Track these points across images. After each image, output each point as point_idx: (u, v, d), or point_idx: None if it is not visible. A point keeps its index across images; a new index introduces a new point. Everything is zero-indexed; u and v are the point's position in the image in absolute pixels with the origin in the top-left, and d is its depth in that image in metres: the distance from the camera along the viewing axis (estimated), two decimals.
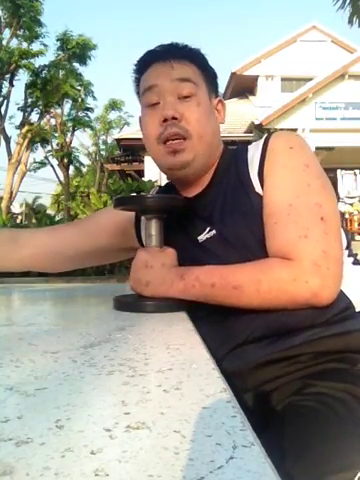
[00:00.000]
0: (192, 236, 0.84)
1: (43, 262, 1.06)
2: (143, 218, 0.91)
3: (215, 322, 0.77)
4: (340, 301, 0.73)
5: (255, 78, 14.66)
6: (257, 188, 0.78)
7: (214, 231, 0.80)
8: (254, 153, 0.81)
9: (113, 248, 1.04)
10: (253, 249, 0.75)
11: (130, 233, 1.01)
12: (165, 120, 0.81)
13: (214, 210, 0.82)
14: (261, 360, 0.74)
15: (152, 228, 0.85)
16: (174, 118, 0.81)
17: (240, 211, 0.78)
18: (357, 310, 0.75)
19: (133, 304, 0.82)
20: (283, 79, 14.58)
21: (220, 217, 0.81)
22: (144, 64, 0.86)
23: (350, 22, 7.75)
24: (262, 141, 0.81)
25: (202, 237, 0.82)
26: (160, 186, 1.01)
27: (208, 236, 0.81)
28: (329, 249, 0.69)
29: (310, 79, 12.35)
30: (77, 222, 1.26)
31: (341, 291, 0.73)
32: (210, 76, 0.88)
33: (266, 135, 0.83)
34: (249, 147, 0.85)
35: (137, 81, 0.90)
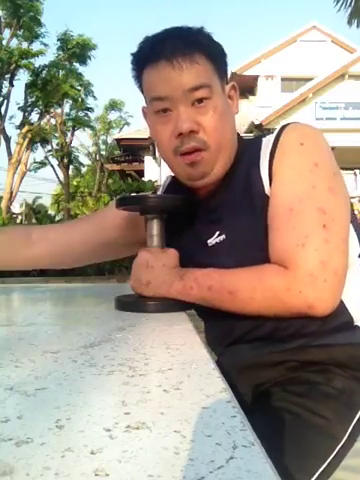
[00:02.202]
0: (202, 238, 0.81)
1: (57, 258, 1.04)
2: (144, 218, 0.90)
3: (219, 317, 0.78)
4: (340, 314, 0.71)
5: (255, 78, 14.67)
6: (266, 189, 0.73)
7: (223, 236, 0.78)
8: (266, 148, 0.75)
9: (126, 242, 1.01)
10: (262, 254, 0.72)
11: (142, 227, 0.97)
12: (181, 133, 0.74)
13: (224, 213, 0.79)
14: (250, 361, 0.76)
15: (153, 228, 0.85)
16: (193, 132, 0.73)
17: (250, 214, 0.75)
18: (355, 324, 0.74)
19: (134, 304, 0.82)
20: (283, 79, 14.58)
21: (229, 221, 0.78)
22: (146, 60, 0.75)
23: (349, 23, 7.75)
24: (275, 134, 0.75)
25: (211, 241, 0.80)
26: (172, 176, 0.92)
27: (217, 240, 0.79)
28: (328, 259, 0.65)
29: (310, 79, 12.36)
30: (89, 217, 1.21)
31: (342, 302, 0.71)
32: (219, 60, 0.78)
33: (281, 126, 0.77)
34: (263, 140, 0.78)
35: (138, 78, 0.80)
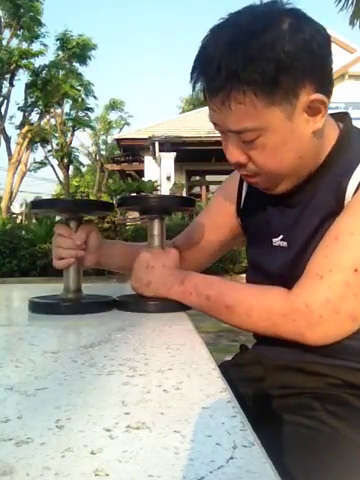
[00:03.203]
0: (270, 233, 0.78)
1: (194, 264, 0.96)
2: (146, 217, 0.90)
3: None
4: None
5: None
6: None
7: (285, 243, 0.75)
8: None
9: (225, 242, 0.96)
10: None
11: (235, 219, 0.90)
12: (236, 166, 0.71)
13: (293, 218, 0.74)
14: (289, 363, 0.74)
15: (154, 228, 0.85)
16: (241, 165, 0.69)
17: (316, 233, 0.69)
18: None
19: (134, 304, 0.82)
20: None
21: (295, 231, 0.73)
22: (196, 84, 0.67)
23: (351, 23, 7.75)
24: None
25: (275, 241, 0.77)
26: None
27: (279, 244, 0.76)
28: (335, 299, 0.62)
29: None
30: (198, 224, 1.01)
31: None
32: (287, 75, 0.60)
33: None
34: None
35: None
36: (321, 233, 0.68)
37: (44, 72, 16.48)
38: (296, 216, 0.73)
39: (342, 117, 0.75)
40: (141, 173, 13.16)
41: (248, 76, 0.59)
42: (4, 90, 15.99)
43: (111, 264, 1.02)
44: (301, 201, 0.73)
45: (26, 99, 16.79)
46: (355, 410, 0.67)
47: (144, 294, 0.81)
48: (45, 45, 16.28)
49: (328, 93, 0.64)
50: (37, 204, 0.92)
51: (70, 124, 19.70)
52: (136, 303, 0.82)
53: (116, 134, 18.00)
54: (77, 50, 16.73)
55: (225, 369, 0.62)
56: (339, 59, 12.68)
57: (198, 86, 0.66)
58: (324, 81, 0.64)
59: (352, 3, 7.42)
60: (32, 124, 16.97)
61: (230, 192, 0.89)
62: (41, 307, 0.80)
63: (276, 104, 0.61)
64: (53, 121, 19.11)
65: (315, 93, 0.62)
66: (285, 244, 0.75)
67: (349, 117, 0.74)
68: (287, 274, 0.71)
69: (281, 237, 0.76)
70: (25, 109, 16.87)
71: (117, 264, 1.02)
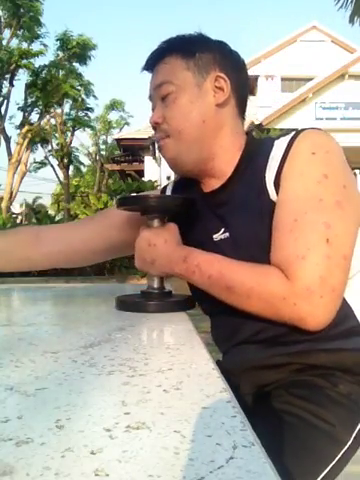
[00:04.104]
0: (209, 233, 0.82)
1: (63, 257, 1.06)
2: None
3: (226, 316, 0.78)
4: (347, 318, 0.72)
5: (255, 78, 14.65)
6: (272, 195, 0.73)
7: (227, 233, 0.79)
8: (276, 152, 0.74)
9: (131, 241, 0.96)
10: (263, 256, 0.71)
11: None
12: (154, 127, 0.85)
13: (228, 210, 0.80)
14: (255, 362, 0.77)
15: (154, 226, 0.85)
16: (156, 123, 0.83)
17: (253, 215, 0.75)
18: None
19: (136, 304, 0.82)
20: (283, 79, 14.58)
21: (233, 219, 0.79)
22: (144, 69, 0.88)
23: (351, 21, 7.72)
24: (287, 140, 0.75)
25: (217, 236, 0.81)
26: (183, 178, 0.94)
27: (222, 237, 0.80)
28: (328, 276, 0.64)
29: (310, 79, 12.36)
30: (90, 217, 1.23)
31: (350, 308, 0.72)
32: (201, 53, 0.81)
33: (295, 132, 0.76)
34: (276, 142, 0.77)
35: None
36: (255, 213, 0.74)
37: (44, 72, 16.46)
38: (229, 210, 0.80)
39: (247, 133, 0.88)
40: (141, 173, 13.17)
41: (176, 46, 0.82)
42: (4, 90, 15.99)
43: None
44: (228, 198, 0.80)
45: (26, 99, 16.78)
46: (318, 388, 0.71)
47: (150, 272, 0.82)
48: (45, 45, 16.27)
49: (233, 80, 0.82)
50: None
51: (70, 124, 19.68)
52: (137, 303, 0.82)
53: (116, 134, 17.99)
54: (77, 50, 16.71)
55: None
56: (339, 59, 12.69)
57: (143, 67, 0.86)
58: (232, 71, 0.82)
59: (351, 1, 7.41)
60: (32, 124, 16.96)
61: None
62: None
63: (190, 70, 0.80)
64: (53, 121, 19.11)
65: (222, 73, 0.80)
66: (227, 235, 0.79)
67: (251, 133, 0.89)
68: (245, 258, 0.73)
69: (222, 230, 0.80)
70: (25, 109, 16.86)
71: None
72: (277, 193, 0.72)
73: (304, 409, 0.68)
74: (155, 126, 0.84)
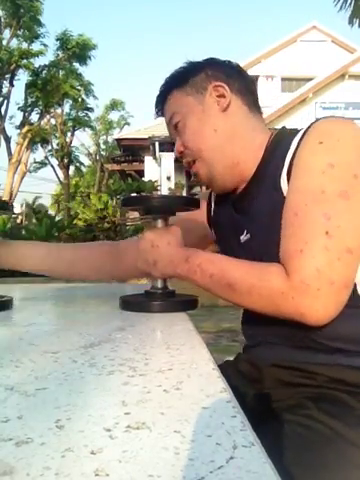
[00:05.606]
0: (237, 234, 0.83)
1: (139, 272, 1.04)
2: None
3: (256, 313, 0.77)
4: None
5: (255, 78, 14.65)
6: (284, 190, 0.72)
7: (249, 235, 0.80)
8: (291, 148, 0.73)
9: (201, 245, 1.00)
10: None
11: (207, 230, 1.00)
12: (181, 159, 0.89)
13: (251, 211, 0.80)
14: (285, 363, 0.75)
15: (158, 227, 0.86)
16: (181, 153, 0.87)
17: (270, 215, 0.74)
18: None
19: (140, 304, 0.82)
20: (283, 79, 14.58)
21: (254, 221, 0.79)
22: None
23: (350, 23, 7.73)
24: (301, 133, 0.73)
25: (243, 238, 0.82)
26: None
27: (246, 239, 0.81)
28: (325, 268, 0.62)
29: (310, 79, 12.36)
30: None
31: None
32: (194, 77, 0.85)
33: (311, 123, 0.74)
34: (299, 134, 0.74)
35: None
36: (272, 213, 0.73)
37: (44, 72, 16.47)
38: (250, 212, 0.81)
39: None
40: (141, 173, 13.16)
41: (171, 83, 0.88)
42: (4, 90, 16.00)
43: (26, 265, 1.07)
44: (248, 201, 0.81)
45: (26, 99, 16.79)
46: (347, 407, 0.67)
47: (152, 274, 0.82)
48: (45, 45, 16.29)
49: (231, 84, 0.84)
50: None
51: (70, 124, 19.69)
52: (141, 303, 0.82)
53: (116, 134, 17.99)
54: (77, 50, 16.71)
55: (224, 370, 0.62)
56: (339, 59, 12.69)
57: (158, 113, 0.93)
58: (228, 77, 0.85)
59: (350, 3, 7.42)
60: (32, 124, 16.97)
61: (202, 206, 0.98)
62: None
63: (189, 95, 0.85)
64: (53, 121, 19.12)
65: (217, 82, 0.83)
66: (249, 236, 0.80)
67: (281, 128, 0.86)
68: (265, 259, 0.72)
69: (245, 232, 0.81)
70: (25, 109, 16.87)
71: (34, 266, 1.07)
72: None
73: (333, 429, 0.64)
74: (181, 156, 0.88)
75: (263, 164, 0.80)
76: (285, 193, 0.72)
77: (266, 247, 0.73)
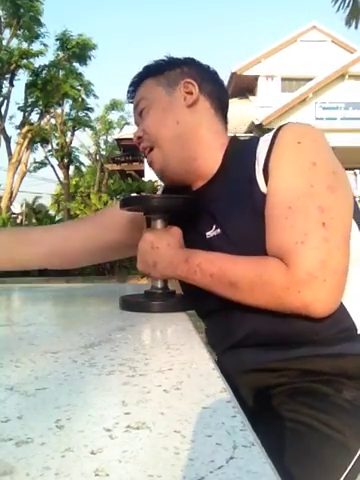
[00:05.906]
0: (201, 230, 0.83)
1: (57, 259, 1.06)
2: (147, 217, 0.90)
3: (220, 317, 0.78)
4: (341, 320, 0.71)
5: (255, 78, 14.67)
6: (262, 187, 0.74)
7: (219, 229, 0.79)
8: (262, 147, 0.76)
9: (128, 243, 0.99)
10: (257, 249, 0.71)
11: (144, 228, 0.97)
12: (138, 144, 0.91)
13: (219, 206, 0.80)
14: (252, 366, 0.76)
15: (158, 228, 0.85)
16: (139, 138, 0.89)
17: (244, 209, 0.75)
18: (359, 332, 0.72)
19: (140, 304, 0.82)
20: (283, 79, 14.59)
21: (224, 215, 0.79)
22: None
23: (348, 23, 7.75)
24: (272, 133, 0.76)
25: (209, 233, 0.81)
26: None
27: (214, 234, 0.80)
28: (328, 259, 0.64)
29: (310, 79, 12.37)
30: (91, 217, 1.23)
31: (345, 310, 0.71)
32: (169, 70, 0.88)
33: (278, 126, 0.78)
34: (261, 139, 0.79)
35: None
36: (246, 207, 0.75)
37: (44, 72, 16.48)
38: (218, 206, 0.80)
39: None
40: (141, 173, 13.16)
41: (147, 72, 0.90)
42: (4, 90, 16.00)
43: None
44: (216, 195, 0.82)
45: (26, 99, 16.79)
46: (323, 396, 0.69)
47: (152, 275, 0.82)
48: (45, 45, 16.29)
49: (204, 86, 0.87)
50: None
51: (70, 124, 19.69)
52: (141, 303, 0.82)
53: (116, 134, 17.99)
54: (77, 50, 16.72)
55: None
56: (339, 59, 12.70)
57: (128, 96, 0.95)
58: (202, 79, 0.87)
59: (348, 4, 7.43)
60: (32, 124, 16.98)
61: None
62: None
63: (161, 85, 0.87)
64: (53, 121, 19.11)
65: (189, 79, 0.86)
66: (219, 231, 0.79)
67: (235, 136, 0.91)
68: (239, 253, 0.73)
69: (214, 227, 0.80)
70: (25, 109, 16.87)
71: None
72: (266, 185, 0.73)
73: (311, 417, 0.66)
74: (139, 142, 0.89)
75: (227, 163, 0.83)
76: (262, 189, 0.73)
77: (239, 241, 0.75)
